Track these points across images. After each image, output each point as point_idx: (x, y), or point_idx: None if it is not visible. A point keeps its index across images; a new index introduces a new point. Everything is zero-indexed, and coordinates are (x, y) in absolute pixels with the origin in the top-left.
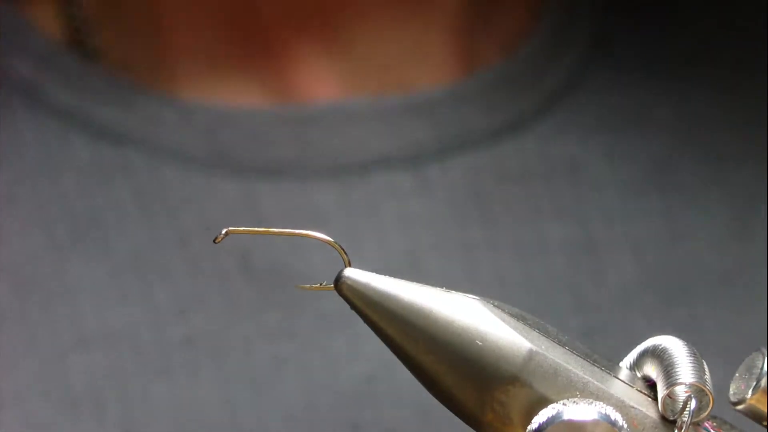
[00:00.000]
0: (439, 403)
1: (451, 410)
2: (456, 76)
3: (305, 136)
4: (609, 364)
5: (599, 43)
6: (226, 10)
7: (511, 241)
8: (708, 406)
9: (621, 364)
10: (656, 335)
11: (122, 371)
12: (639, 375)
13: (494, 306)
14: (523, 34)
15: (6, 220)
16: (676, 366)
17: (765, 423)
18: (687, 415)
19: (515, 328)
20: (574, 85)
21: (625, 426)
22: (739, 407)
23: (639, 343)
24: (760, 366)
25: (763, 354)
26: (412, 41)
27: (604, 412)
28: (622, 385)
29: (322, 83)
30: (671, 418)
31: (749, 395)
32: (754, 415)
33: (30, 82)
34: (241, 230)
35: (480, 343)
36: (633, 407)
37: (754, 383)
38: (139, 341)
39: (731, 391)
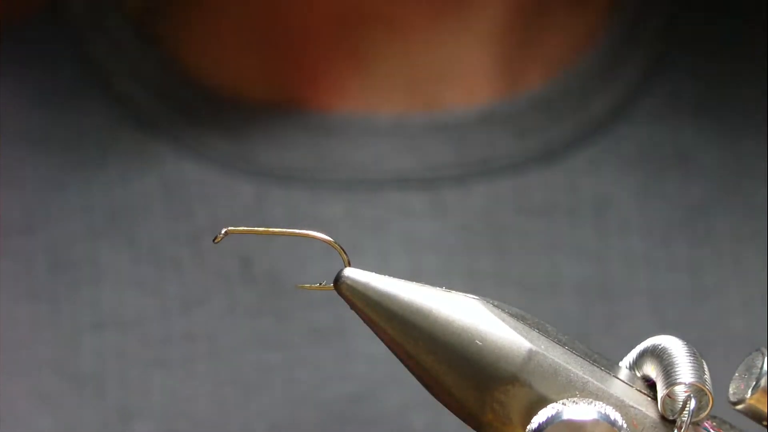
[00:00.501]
0: (423, 427)
1: (451, 410)
2: (491, 97)
3: (323, 146)
4: (609, 364)
5: (652, 74)
6: (256, 14)
7: (520, 276)
8: (707, 405)
9: (621, 363)
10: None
11: (127, 357)
12: (639, 375)
13: (494, 306)
14: (573, 56)
15: (54, 203)
16: (676, 366)
17: (765, 423)
18: (686, 415)
19: (515, 328)
20: (617, 117)
21: (625, 426)
22: (739, 407)
23: None
24: (759, 366)
25: (762, 354)
26: (446, 57)
27: (603, 412)
28: (621, 384)
29: (346, 94)
30: (671, 418)
31: (749, 395)
32: (754, 415)
33: (100, 66)
34: (240, 230)
35: (479, 343)
36: (632, 407)
37: (754, 383)
38: (147, 331)
39: (731, 391)
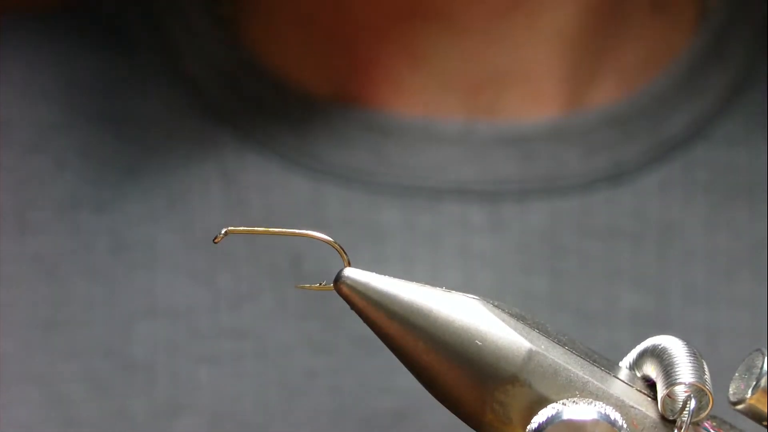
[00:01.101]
0: None
1: (451, 410)
2: (559, 108)
3: (383, 149)
4: (609, 364)
5: (737, 92)
6: (320, 6)
7: (576, 301)
8: (707, 405)
9: (621, 363)
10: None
11: (178, 348)
12: (639, 375)
13: (494, 306)
14: (653, 69)
15: (122, 183)
16: (676, 366)
17: (765, 423)
18: (686, 415)
19: (515, 328)
20: (694, 137)
21: (625, 426)
22: (739, 407)
23: None
24: (759, 366)
25: (762, 354)
26: (510, 59)
27: (603, 412)
28: (621, 384)
29: (403, 94)
30: (671, 418)
31: (749, 395)
32: (754, 415)
33: (171, 47)
34: (240, 230)
35: (479, 343)
36: (633, 407)
37: (754, 383)
38: (198, 322)
39: (731, 391)
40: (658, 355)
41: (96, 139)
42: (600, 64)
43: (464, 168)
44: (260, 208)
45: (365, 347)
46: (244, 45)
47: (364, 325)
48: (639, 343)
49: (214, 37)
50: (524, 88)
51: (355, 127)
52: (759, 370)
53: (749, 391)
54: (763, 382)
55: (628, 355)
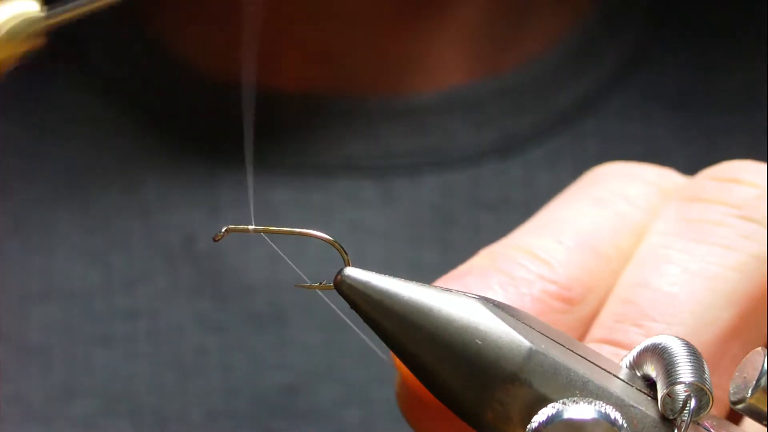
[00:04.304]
0: (357, 423)
1: (450, 409)
2: (456, 84)
3: (275, 129)
4: (609, 363)
5: (631, 66)
6: (220, 6)
7: None
8: (708, 405)
9: (621, 363)
10: None
11: (73, 330)
12: (639, 374)
13: (494, 305)
14: (550, 43)
15: (20, 166)
16: (676, 365)
17: (765, 422)
18: (687, 414)
19: (515, 327)
20: (584, 111)
21: (625, 425)
22: (739, 406)
23: None
24: (759, 365)
25: (762, 353)
26: (419, 49)
27: (603, 411)
28: (621, 384)
29: (304, 77)
30: (671, 417)
31: (749, 394)
32: (754, 414)
33: (76, 37)
34: (239, 228)
35: (480, 342)
36: (633, 406)
37: (754, 382)
38: (92, 304)
39: (731, 390)
40: (658, 354)
41: None
42: (503, 40)
43: (355, 143)
44: (155, 191)
45: (255, 325)
46: (148, 30)
47: (254, 302)
48: None
49: (118, 23)
50: (428, 69)
51: (248, 108)
52: (759, 370)
53: (749, 391)
54: (763, 381)
55: (629, 354)
